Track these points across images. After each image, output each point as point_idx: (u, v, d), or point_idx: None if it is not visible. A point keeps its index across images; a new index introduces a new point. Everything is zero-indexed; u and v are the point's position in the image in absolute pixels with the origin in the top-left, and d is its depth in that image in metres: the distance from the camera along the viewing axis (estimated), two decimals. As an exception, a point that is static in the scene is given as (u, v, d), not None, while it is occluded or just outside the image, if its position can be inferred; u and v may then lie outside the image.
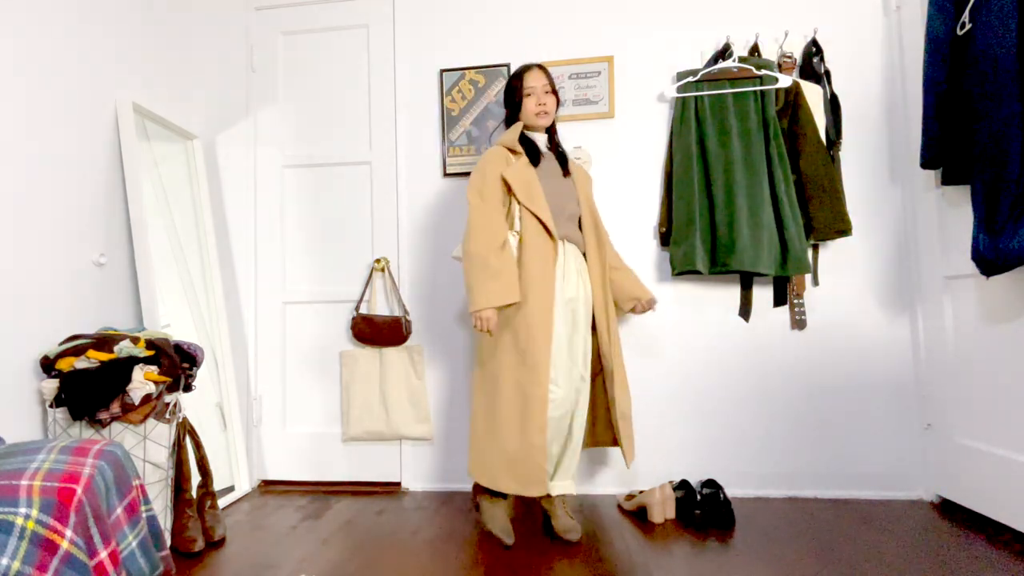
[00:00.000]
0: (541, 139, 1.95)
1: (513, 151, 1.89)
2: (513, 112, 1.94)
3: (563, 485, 1.87)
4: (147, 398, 1.65)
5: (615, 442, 1.94)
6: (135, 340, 1.73)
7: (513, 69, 2.37)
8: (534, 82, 1.89)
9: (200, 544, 1.76)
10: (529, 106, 1.89)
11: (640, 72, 2.32)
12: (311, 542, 1.83)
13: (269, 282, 2.49)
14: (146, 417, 1.66)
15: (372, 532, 1.91)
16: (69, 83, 1.86)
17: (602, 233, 1.96)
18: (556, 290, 1.80)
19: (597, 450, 2.24)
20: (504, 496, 1.87)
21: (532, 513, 2.04)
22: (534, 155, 1.90)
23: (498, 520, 1.81)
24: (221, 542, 1.85)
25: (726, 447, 2.20)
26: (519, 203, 1.84)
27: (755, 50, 2.20)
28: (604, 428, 1.97)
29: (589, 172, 2.23)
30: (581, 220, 1.93)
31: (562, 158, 1.96)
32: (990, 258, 1.58)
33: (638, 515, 2.00)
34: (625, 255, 2.28)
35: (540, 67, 1.92)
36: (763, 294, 2.21)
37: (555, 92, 1.92)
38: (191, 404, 2.33)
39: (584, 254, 1.92)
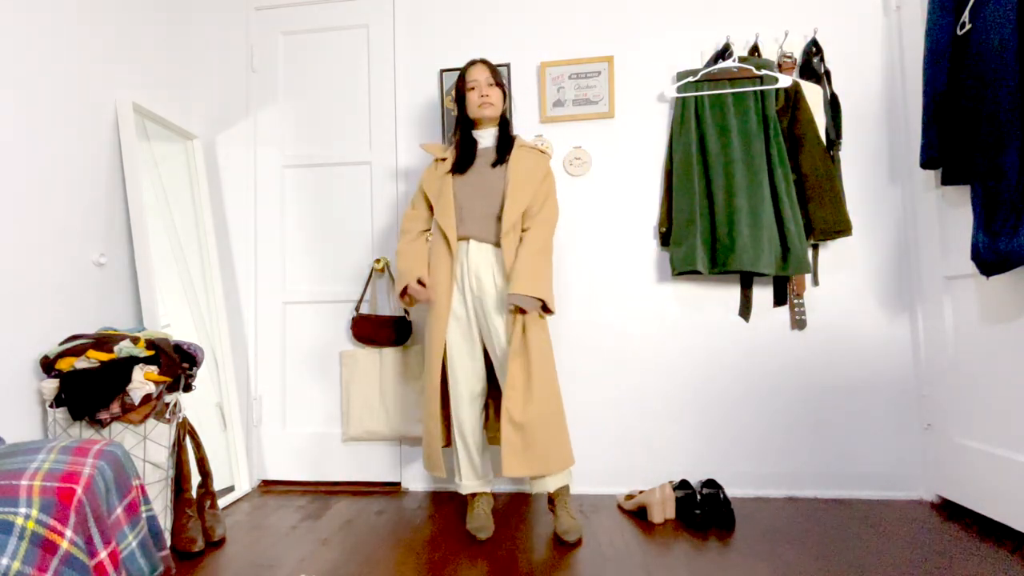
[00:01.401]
0: (488, 136, 1.95)
1: (440, 159, 1.98)
2: (461, 108, 1.96)
3: (543, 483, 1.82)
4: (147, 398, 1.65)
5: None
6: (135, 340, 1.73)
7: (513, 69, 2.37)
8: (477, 75, 1.91)
9: (200, 544, 1.76)
10: (472, 99, 1.91)
11: (640, 72, 2.32)
12: (311, 542, 1.83)
13: (269, 282, 2.49)
14: (146, 417, 1.66)
15: (372, 532, 1.91)
16: (69, 83, 1.86)
17: (532, 222, 1.86)
18: (453, 288, 1.88)
19: (596, 450, 2.24)
20: (479, 495, 1.94)
21: (534, 514, 2.05)
22: (468, 155, 1.93)
23: (474, 519, 1.88)
24: (221, 542, 1.85)
25: (726, 447, 2.20)
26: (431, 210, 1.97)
27: (755, 50, 2.20)
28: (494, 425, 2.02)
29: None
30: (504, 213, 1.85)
31: (502, 148, 1.92)
32: (989, 258, 1.58)
33: (638, 515, 2.00)
34: (625, 255, 2.28)
35: (483, 62, 1.95)
36: (763, 294, 2.21)
37: (501, 85, 1.93)
38: (191, 404, 2.33)
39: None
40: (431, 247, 1.96)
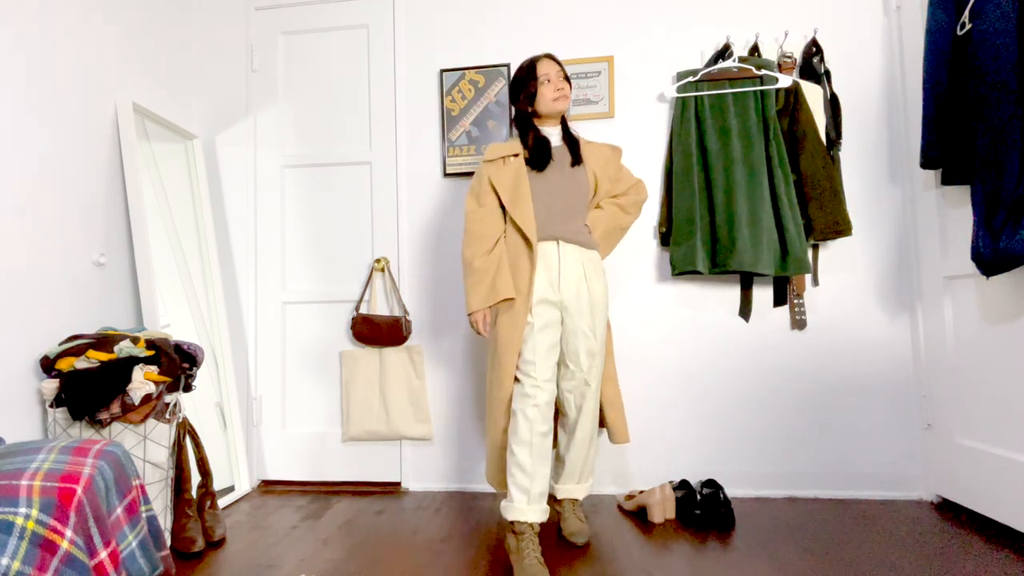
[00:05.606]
0: (555, 134, 1.87)
1: (511, 155, 1.84)
2: (527, 105, 1.84)
3: (566, 489, 1.86)
4: (147, 398, 1.65)
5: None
6: (135, 340, 1.73)
7: (514, 69, 2.37)
8: (548, 69, 1.82)
9: (200, 544, 1.76)
10: (546, 93, 1.80)
11: (640, 72, 2.32)
12: (311, 542, 1.83)
13: (269, 282, 2.49)
14: (146, 417, 1.66)
15: (372, 532, 1.91)
16: (69, 83, 1.86)
17: (620, 198, 1.90)
18: (534, 294, 1.74)
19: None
20: (526, 526, 1.63)
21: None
22: (544, 153, 1.82)
23: (526, 570, 1.53)
24: (221, 542, 1.85)
25: (726, 447, 2.20)
26: (504, 207, 1.82)
27: (755, 50, 2.20)
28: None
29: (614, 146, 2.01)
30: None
31: (573, 147, 1.85)
32: (990, 258, 1.58)
33: (638, 515, 2.00)
34: (625, 255, 2.28)
35: (550, 56, 1.86)
36: (763, 294, 2.21)
37: (568, 80, 1.86)
38: (191, 404, 2.33)
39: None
40: (507, 249, 1.81)
